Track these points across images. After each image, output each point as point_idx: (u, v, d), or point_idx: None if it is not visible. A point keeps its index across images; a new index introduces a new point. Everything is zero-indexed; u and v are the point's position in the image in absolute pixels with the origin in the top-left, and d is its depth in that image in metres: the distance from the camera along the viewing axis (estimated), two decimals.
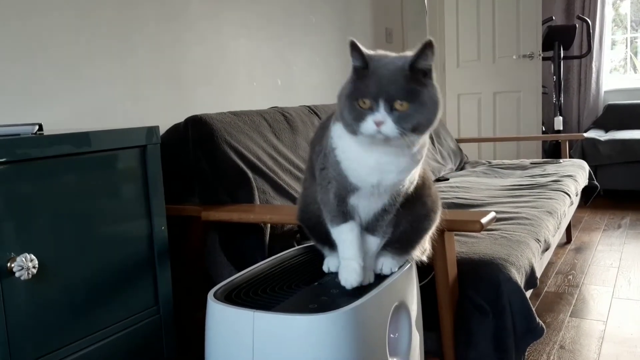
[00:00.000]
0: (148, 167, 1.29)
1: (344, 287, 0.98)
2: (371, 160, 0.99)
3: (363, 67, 0.96)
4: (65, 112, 1.66)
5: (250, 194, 1.75)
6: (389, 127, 0.92)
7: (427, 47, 0.93)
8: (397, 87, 0.92)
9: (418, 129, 0.94)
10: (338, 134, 1.02)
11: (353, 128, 0.95)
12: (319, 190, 1.08)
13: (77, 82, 1.70)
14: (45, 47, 1.60)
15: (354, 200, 1.05)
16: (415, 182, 1.08)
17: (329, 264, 1.15)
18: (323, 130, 1.11)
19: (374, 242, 1.08)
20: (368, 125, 0.93)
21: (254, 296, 0.94)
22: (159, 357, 1.31)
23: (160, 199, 1.32)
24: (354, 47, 0.96)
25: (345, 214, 1.06)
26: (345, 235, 1.06)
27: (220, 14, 2.28)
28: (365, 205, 1.06)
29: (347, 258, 1.05)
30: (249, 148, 1.87)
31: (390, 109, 0.92)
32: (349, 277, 1.01)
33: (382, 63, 0.96)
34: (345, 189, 1.03)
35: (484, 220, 1.27)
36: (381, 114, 0.92)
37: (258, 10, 2.50)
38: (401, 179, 1.02)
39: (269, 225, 1.72)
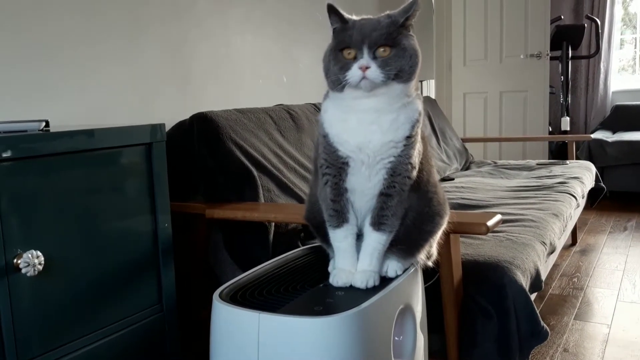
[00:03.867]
0: (153, 164, 1.29)
1: (349, 290, 0.98)
2: (353, 120, 1.02)
3: (343, 27, 1.03)
4: (72, 109, 1.66)
5: (255, 192, 1.74)
6: (374, 71, 0.97)
7: (415, 4, 1.02)
8: (379, 34, 0.99)
9: (401, 75, 0.99)
10: (324, 109, 1.07)
11: (339, 79, 0.99)
12: (319, 187, 1.10)
13: (84, 80, 1.70)
14: (53, 44, 1.60)
15: (349, 185, 1.05)
16: (416, 167, 1.06)
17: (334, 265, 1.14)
18: None
19: (380, 239, 1.05)
20: (354, 72, 0.98)
21: (259, 297, 0.94)
22: (162, 354, 1.31)
23: (165, 197, 1.32)
24: (332, 10, 1.03)
25: (340, 215, 1.06)
26: (339, 242, 1.08)
27: (226, 11, 2.27)
28: (361, 189, 1.05)
29: (340, 268, 1.07)
30: (254, 146, 1.87)
31: (374, 56, 0.98)
32: (339, 280, 1.04)
33: (362, 19, 1.05)
34: (337, 170, 1.04)
35: (490, 222, 1.27)
36: (365, 59, 0.98)
37: (264, 8, 2.50)
38: (388, 142, 1.01)
39: (273, 223, 1.71)
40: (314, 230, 1.19)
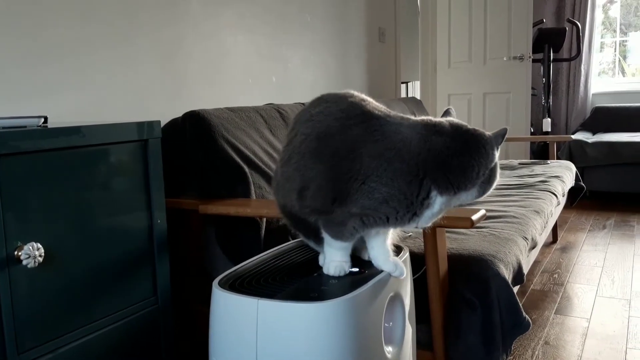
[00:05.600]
0: (149, 161, 1.32)
1: (342, 278, 1.01)
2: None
3: None
4: (68, 107, 1.69)
5: (246, 188, 1.78)
6: None
7: None
8: None
9: None
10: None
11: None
12: (339, 213, 1.01)
13: (81, 79, 1.72)
14: (53, 44, 1.62)
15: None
16: None
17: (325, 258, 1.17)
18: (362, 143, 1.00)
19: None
20: None
21: (257, 285, 0.97)
22: (156, 345, 1.34)
23: (160, 193, 1.35)
24: None
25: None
26: (343, 249, 1.08)
27: (218, 11, 2.30)
28: None
29: (339, 260, 1.07)
30: (246, 143, 1.91)
31: None
32: (336, 270, 1.06)
33: None
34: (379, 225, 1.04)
35: (474, 217, 1.32)
36: None
37: (255, 8, 2.53)
38: None
39: (264, 219, 1.75)
40: (293, 223, 1.14)
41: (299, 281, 1.00)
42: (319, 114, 1.07)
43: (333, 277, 1.01)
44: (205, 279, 1.73)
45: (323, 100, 1.10)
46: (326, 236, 1.06)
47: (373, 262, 1.08)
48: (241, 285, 0.97)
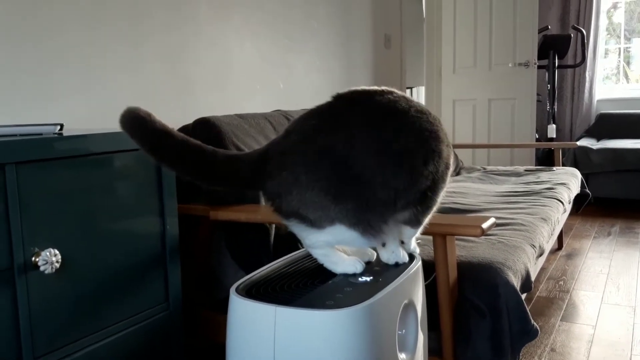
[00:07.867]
0: (162, 168, 1.33)
1: (356, 286, 1.03)
2: None
3: None
4: (81, 113, 1.70)
5: (256, 194, 1.79)
6: None
7: None
8: None
9: None
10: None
11: None
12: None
13: (93, 86, 1.74)
14: (64, 53, 1.64)
15: None
16: None
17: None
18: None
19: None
20: None
21: (273, 292, 0.99)
22: (167, 351, 1.35)
23: (173, 199, 1.37)
24: None
25: None
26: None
27: (225, 20, 2.32)
28: None
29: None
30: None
31: None
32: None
33: None
34: None
35: (484, 225, 1.33)
36: None
37: (261, 16, 2.55)
38: None
39: (274, 225, 1.76)
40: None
41: (315, 289, 1.01)
42: (418, 115, 1.09)
43: (348, 285, 1.02)
44: (214, 285, 1.74)
45: (406, 99, 1.11)
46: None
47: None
48: (258, 292, 0.98)
